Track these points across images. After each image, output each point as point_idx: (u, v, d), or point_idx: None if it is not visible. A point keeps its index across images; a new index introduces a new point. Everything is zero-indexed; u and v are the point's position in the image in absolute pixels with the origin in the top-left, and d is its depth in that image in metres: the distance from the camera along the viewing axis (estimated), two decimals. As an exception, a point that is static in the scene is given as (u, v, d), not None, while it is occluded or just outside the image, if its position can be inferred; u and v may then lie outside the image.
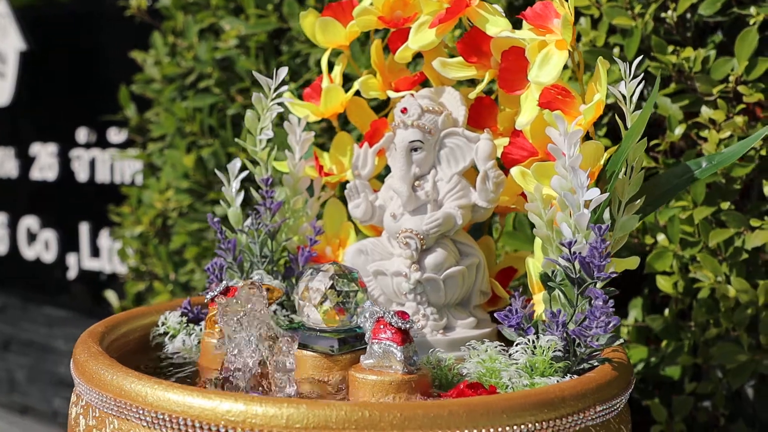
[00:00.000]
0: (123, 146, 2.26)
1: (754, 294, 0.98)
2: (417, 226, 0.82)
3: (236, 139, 0.93)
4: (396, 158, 0.85)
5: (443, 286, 0.81)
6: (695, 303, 1.05)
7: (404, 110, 0.85)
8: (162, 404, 0.61)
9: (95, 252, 2.35)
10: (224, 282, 0.80)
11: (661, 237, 1.05)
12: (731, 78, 1.00)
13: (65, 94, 2.35)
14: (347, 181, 0.95)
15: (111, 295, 1.75)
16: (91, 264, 2.35)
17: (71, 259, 2.39)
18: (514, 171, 0.81)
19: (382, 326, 0.69)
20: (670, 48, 1.03)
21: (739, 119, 0.99)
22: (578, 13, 1.10)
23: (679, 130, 1.03)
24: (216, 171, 0.95)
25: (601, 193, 0.74)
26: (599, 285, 0.70)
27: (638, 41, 1.04)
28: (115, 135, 2.30)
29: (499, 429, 0.60)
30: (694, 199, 1.02)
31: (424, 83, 0.93)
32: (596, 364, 0.72)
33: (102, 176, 2.32)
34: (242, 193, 0.93)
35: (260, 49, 1.49)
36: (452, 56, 0.89)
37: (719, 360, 1.00)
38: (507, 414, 0.60)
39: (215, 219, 0.92)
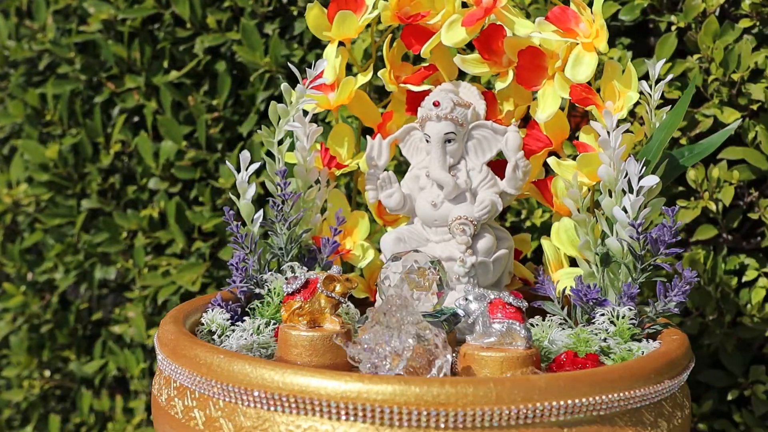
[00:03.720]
0: None
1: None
2: (469, 213, 0.87)
3: (257, 131, 0.91)
4: (432, 149, 0.89)
5: (492, 269, 0.87)
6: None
7: (437, 103, 0.89)
8: (362, 395, 0.62)
9: None
10: (301, 275, 0.80)
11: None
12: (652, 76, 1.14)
13: None
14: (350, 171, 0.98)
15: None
16: None
17: None
18: (551, 161, 0.89)
19: (500, 306, 0.74)
20: (598, 49, 1.15)
21: (660, 113, 1.14)
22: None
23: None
24: (227, 162, 0.92)
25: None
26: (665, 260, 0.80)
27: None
28: None
29: (650, 388, 0.68)
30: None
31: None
32: (659, 328, 0.82)
33: None
34: (254, 186, 0.92)
35: (133, 34, 1.43)
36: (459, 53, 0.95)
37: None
38: (653, 375, 0.69)
39: (231, 211, 0.90)
